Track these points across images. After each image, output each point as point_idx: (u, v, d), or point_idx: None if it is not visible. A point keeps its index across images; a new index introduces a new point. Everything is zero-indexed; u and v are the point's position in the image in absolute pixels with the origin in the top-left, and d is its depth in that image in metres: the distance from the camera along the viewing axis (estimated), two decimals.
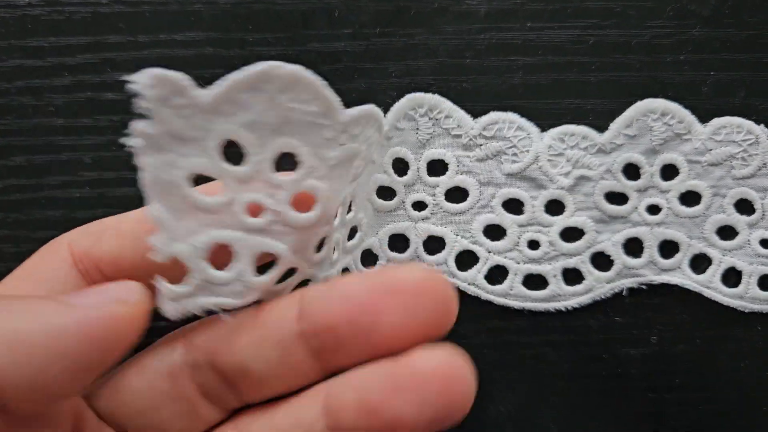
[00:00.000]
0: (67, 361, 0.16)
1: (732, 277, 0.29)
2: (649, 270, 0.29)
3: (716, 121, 0.29)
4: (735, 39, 0.29)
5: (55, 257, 0.20)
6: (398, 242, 0.29)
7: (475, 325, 0.30)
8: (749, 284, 0.29)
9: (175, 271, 0.19)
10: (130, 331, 0.17)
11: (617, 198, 0.29)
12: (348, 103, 0.29)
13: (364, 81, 0.29)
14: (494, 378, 0.29)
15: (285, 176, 0.19)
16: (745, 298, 0.29)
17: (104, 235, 0.21)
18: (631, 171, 0.29)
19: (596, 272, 0.29)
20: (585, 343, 0.29)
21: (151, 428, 0.21)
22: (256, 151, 0.18)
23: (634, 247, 0.29)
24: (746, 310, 0.29)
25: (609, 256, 0.29)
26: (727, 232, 0.29)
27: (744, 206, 0.29)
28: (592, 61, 0.29)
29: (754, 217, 0.29)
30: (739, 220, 0.29)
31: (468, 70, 0.29)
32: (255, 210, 0.19)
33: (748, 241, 0.29)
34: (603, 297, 0.29)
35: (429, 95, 0.28)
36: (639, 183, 0.29)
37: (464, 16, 0.29)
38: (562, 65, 0.29)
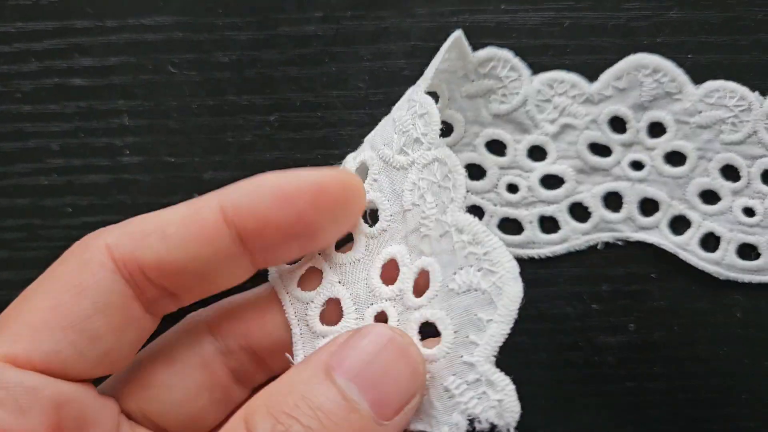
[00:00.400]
0: None
1: (710, 242, 0.28)
2: (627, 226, 0.28)
3: (709, 84, 0.28)
4: (713, 21, 0.29)
5: (95, 264, 0.19)
6: (613, 200, 0.29)
7: None
8: (727, 251, 0.28)
9: (223, 278, 0.20)
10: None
11: (601, 150, 0.29)
12: (318, 88, 0.29)
13: (335, 65, 0.29)
14: None
15: None
16: (721, 264, 0.28)
17: (150, 238, 0.19)
18: (618, 124, 0.28)
19: (573, 222, 0.28)
20: (561, 332, 0.29)
21: (189, 420, 0.21)
22: None
23: (613, 201, 0.29)
24: (721, 277, 0.28)
25: (587, 208, 0.29)
26: (709, 197, 0.29)
27: (729, 172, 0.28)
28: (568, 44, 0.29)
29: (738, 184, 0.28)
30: (723, 186, 0.28)
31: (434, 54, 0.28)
32: None
33: (731, 207, 0.28)
34: (577, 249, 0.28)
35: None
36: (624, 137, 0.28)
37: (433, 1, 0.28)
38: (536, 48, 0.29)
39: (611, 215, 0.28)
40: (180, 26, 0.29)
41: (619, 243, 0.29)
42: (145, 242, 0.19)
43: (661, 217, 0.28)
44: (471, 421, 0.18)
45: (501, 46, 0.28)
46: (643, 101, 0.28)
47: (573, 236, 0.28)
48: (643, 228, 0.28)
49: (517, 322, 0.28)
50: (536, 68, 0.28)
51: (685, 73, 0.28)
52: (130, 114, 0.29)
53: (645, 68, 0.28)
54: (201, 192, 0.21)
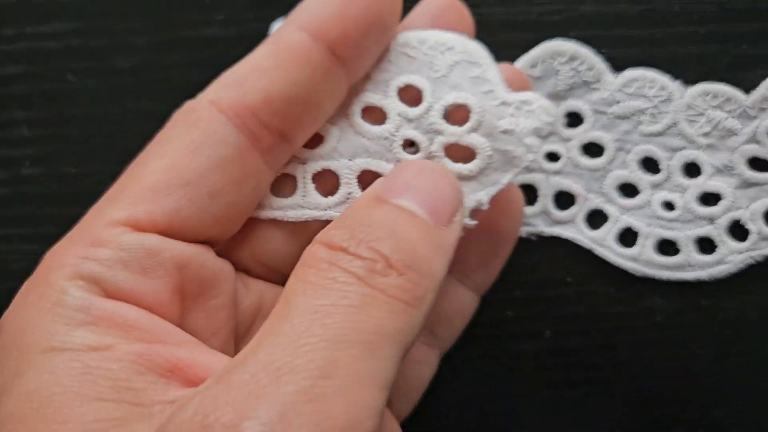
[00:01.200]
0: None
1: (628, 237, 0.27)
2: (542, 220, 0.27)
3: (628, 73, 0.27)
4: (628, 14, 0.28)
5: (204, 120, 0.19)
6: (527, 193, 0.28)
7: None
8: (645, 246, 0.27)
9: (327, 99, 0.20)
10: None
11: None
12: None
13: None
14: None
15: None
16: (638, 260, 0.27)
17: (249, 79, 0.19)
18: None
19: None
20: (474, 340, 0.28)
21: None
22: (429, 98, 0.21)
23: (527, 194, 0.27)
24: (638, 274, 0.27)
25: None
26: (627, 190, 0.27)
27: (649, 164, 0.27)
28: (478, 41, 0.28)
29: (658, 177, 0.27)
30: (641, 179, 0.27)
31: None
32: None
33: (650, 201, 0.27)
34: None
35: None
36: None
37: None
38: None
39: (526, 209, 0.27)
40: (78, 32, 0.28)
41: (533, 238, 0.28)
42: (247, 84, 0.19)
43: (577, 211, 0.27)
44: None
45: None
46: (559, 90, 0.27)
47: None
48: (558, 222, 0.28)
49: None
50: None
51: (603, 61, 0.27)
52: (30, 124, 0.28)
53: (561, 56, 0.27)
54: None
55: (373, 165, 0.22)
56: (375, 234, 0.17)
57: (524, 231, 0.27)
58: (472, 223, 0.21)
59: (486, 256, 0.24)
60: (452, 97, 0.21)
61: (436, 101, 0.21)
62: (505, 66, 0.23)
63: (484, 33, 0.27)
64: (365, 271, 0.16)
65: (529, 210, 0.27)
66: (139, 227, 0.18)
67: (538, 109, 0.20)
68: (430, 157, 0.21)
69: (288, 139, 0.20)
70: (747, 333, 0.28)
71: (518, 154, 0.21)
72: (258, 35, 0.27)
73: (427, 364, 0.25)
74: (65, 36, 0.28)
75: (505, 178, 0.21)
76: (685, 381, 0.28)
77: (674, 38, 0.28)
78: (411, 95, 0.22)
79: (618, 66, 0.27)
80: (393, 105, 0.21)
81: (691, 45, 0.28)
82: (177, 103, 0.28)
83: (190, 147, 0.18)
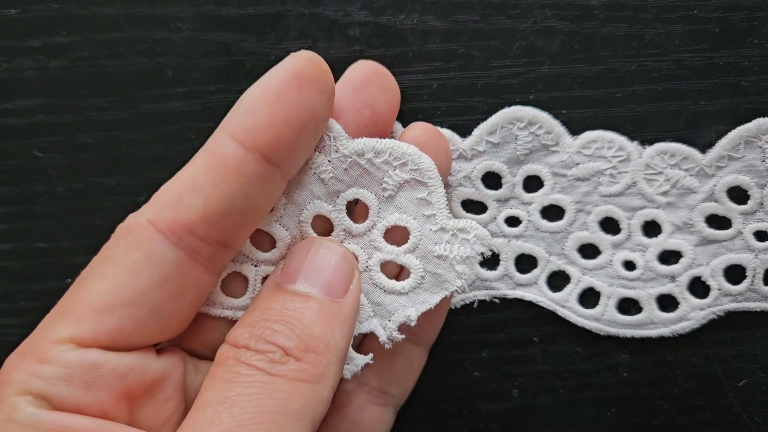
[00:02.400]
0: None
1: (590, 297, 0.28)
2: (504, 283, 0.28)
3: (587, 135, 0.27)
4: (586, 74, 0.28)
5: (144, 240, 0.19)
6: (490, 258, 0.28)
7: None
8: (607, 306, 0.27)
9: (263, 204, 0.21)
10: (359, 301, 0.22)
11: (476, 207, 0.28)
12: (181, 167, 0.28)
13: (201, 140, 0.28)
14: None
15: None
16: (601, 320, 0.27)
17: (185, 198, 0.20)
18: (493, 180, 0.28)
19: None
20: (442, 401, 0.28)
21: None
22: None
23: (490, 258, 0.28)
24: (602, 333, 0.27)
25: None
26: (589, 251, 0.28)
27: (609, 225, 0.28)
28: (437, 107, 0.28)
29: (618, 237, 0.28)
30: (602, 239, 0.28)
31: None
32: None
33: (611, 261, 0.28)
34: (454, 307, 0.28)
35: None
36: (499, 193, 0.28)
37: None
38: (405, 112, 0.28)
39: (487, 273, 0.28)
40: (43, 108, 0.28)
41: (496, 301, 0.28)
42: (183, 203, 0.20)
43: (539, 273, 0.28)
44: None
45: None
46: (518, 155, 0.27)
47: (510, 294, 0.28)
48: (520, 285, 0.28)
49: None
50: None
51: (561, 125, 0.27)
52: None
53: (519, 121, 0.27)
54: (73, 277, 0.21)
55: None
56: (272, 327, 0.19)
57: (487, 295, 0.28)
58: (400, 337, 0.23)
59: (432, 315, 0.24)
60: (394, 219, 0.22)
61: (379, 220, 0.22)
62: (422, 127, 0.24)
63: (443, 99, 0.28)
64: (265, 362, 0.18)
65: (491, 274, 0.28)
66: (82, 344, 0.19)
67: (473, 238, 0.21)
68: (367, 270, 0.23)
69: (229, 245, 0.21)
70: (711, 386, 0.28)
71: (449, 278, 0.22)
72: (218, 107, 0.28)
73: (381, 422, 0.26)
74: (31, 112, 0.28)
75: (434, 298, 0.22)
76: None
77: (632, 97, 0.28)
78: (359, 208, 0.23)
79: (578, 126, 0.28)
80: (340, 219, 0.23)
81: (649, 103, 0.28)
82: (142, 178, 0.28)
83: (132, 268, 0.19)
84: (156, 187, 0.28)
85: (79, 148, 0.28)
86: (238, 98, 0.28)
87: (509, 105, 0.28)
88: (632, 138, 0.28)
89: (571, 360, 0.28)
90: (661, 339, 0.28)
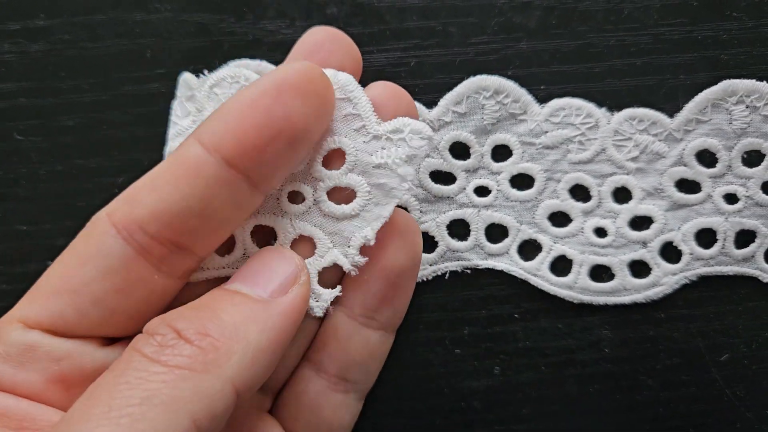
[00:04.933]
0: (280, 351, 0.19)
1: (562, 265, 0.28)
2: (475, 254, 0.28)
3: (554, 102, 0.27)
4: (564, 50, 0.28)
5: (97, 233, 0.20)
6: (459, 228, 0.28)
7: None
8: (579, 274, 0.27)
9: (228, 212, 0.20)
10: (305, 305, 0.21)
11: (444, 177, 0.28)
12: (161, 148, 0.28)
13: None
14: None
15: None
16: (574, 288, 0.27)
17: (140, 194, 0.20)
18: (461, 150, 0.28)
19: (428, 256, 0.28)
20: (425, 379, 0.28)
21: None
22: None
23: (460, 229, 0.28)
24: (575, 301, 0.27)
25: (433, 238, 0.28)
26: (559, 219, 0.28)
27: (579, 192, 0.28)
28: (415, 84, 0.28)
29: (589, 204, 0.27)
30: (573, 207, 0.27)
31: None
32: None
33: (582, 228, 0.27)
34: (425, 279, 0.28)
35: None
36: (468, 163, 0.27)
37: (279, 47, 0.28)
38: None
39: (458, 243, 0.28)
40: (24, 92, 0.28)
41: (468, 271, 0.28)
42: (137, 199, 0.20)
43: (511, 243, 0.28)
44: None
45: None
46: (485, 124, 0.27)
47: (420, 268, 0.27)
48: (491, 255, 0.28)
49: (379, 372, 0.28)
50: None
51: (528, 93, 0.27)
52: None
53: (486, 90, 0.27)
54: (54, 259, 0.21)
55: (263, 220, 0.23)
56: (181, 313, 0.19)
57: (458, 266, 0.28)
58: (362, 260, 0.22)
59: (386, 294, 0.24)
60: (328, 144, 0.22)
61: (316, 153, 0.22)
62: (383, 85, 0.23)
63: (422, 76, 0.28)
64: (151, 347, 0.18)
65: (462, 244, 0.28)
66: (28, 325, 0.20)
67: (408, 135, 0.21)
68: (316, 203, 0.22)
69: (186, 249, 0.21)
70: (694, 361, 0.28)
71: (394, 185, 0.21)
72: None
73: (343, 408, 0.25)
74: (11, 95, 0.28)
75: (386, 211, 0.22)
76: (634, 412, 0.28)
77: (611, 72, 0.28)
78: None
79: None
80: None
81: (627, 77, 0.28)
82: (123, 160, 0.28)
83: (82, 258, 0.20)
84: (137, 169, 0.28)
85: (60, 131, 0.28)
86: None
87: None
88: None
89: (552, 336, 0.28)
90: (643, 314, 0.28)
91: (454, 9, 0.28)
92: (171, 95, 0.28)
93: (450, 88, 0.28)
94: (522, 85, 0.28)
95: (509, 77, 0.28)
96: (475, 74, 0.28)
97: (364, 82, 0.27)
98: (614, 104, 0.28)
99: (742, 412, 0.28)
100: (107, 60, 0.28)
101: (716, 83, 0.27)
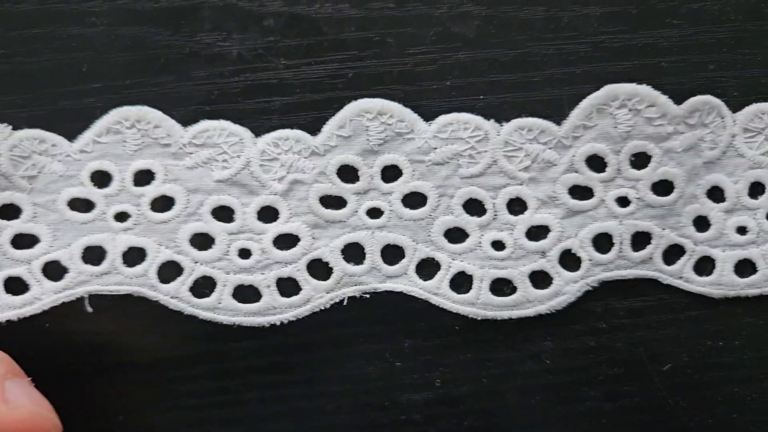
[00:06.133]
0: None
1: (462, 282, 0.28)
2: (373, 277, 0.27)
3: (441, 119, 0.27)
4: (503, 59, 0.28)
5: None
6: (93, 254, 0.27)
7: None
8: (481, 289, 0.27)
9: None
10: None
11: (335, 202, 0.27)
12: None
13: None
14: None
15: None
16: (476, 304, 0.27)
17: None
18: (349, 173, 0.27)
19: (314, 281, 0.27)
20: (365, 392, 0.28)
21: None
22: None
23: (355, 253, 0.28)
24: (478, 317, 0.27)
25: (328, 264, 0.27)
26: (456, 235, 0.28)
27: (474, 207, 0.27)
28: (353, 95, 0.28)
29: (485, 218, 0.27)
30: (468, 222, 0.27)
31: (223, 116, 0.28)
32: None
33: (480, 243, 0.27)
34: (323, 308, 0.28)
35: (135, 108, 0.27)
36: (357, 185, 0.27)
37: (216, 60, 0.28)
38: (321, 102, 0.28)
39: (354, 268, 0.27)
40: None
41: (366, 296, 0.28)
42: None
43: (408, 263, 0.27)
44: None
45: (284, 104, 0.28)
46: (372, 146, 0.27)
47: (316, 295, 0.27)
48: (389, 277, 0.27)
49: (316, 383, 0.27)
50: (320, 123, 0.28)
51: (413, 112, 0.27)
52: None
53: (368, 112, 0.27)
54: None
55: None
56: None
57: (356, 291, 0.27)
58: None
59: None
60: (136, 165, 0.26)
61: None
62: None
63: (359, 87, 0.27)
64: None
65: (358, 268, 0.27)
66: None
67: None
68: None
69: None
70: (636, 371, 0.28)
71: None
72: (135, 101, 0.28)
73: None
74: None
75: None
76: (577, 423, 0.28)
77: (550, 81, 0.28)
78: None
79: (496, 112, 0.28)
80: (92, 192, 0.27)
81: (566, 86, 0.28)
82: None
83: None
84: None
85: None
86: (153, 93, 0.28)
87: (424, 92, 0.28)
88: (554, 123, 0.27)
89: (493, 348, 0.28)
90: (585, 324, 0.28)
91: (391, 20, 0.28)
92: (107, 110, 0.28)
93: (391, 99, 0.28)
94: (460, 95, 0.27)
95: (447, 87, 0.28)
96: (412, 85, 0.28)
97: (302, 95, 0.27)
98: (555, 113, 0.28)
99: (685, 421, 0.28)
100: (43, 74, 0.28)
101: (656, 90, 0.27)
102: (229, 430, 0.28)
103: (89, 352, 0.28)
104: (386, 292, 0.28)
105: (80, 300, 0.28)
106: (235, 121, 0.27)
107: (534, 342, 0.28)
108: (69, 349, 0.28)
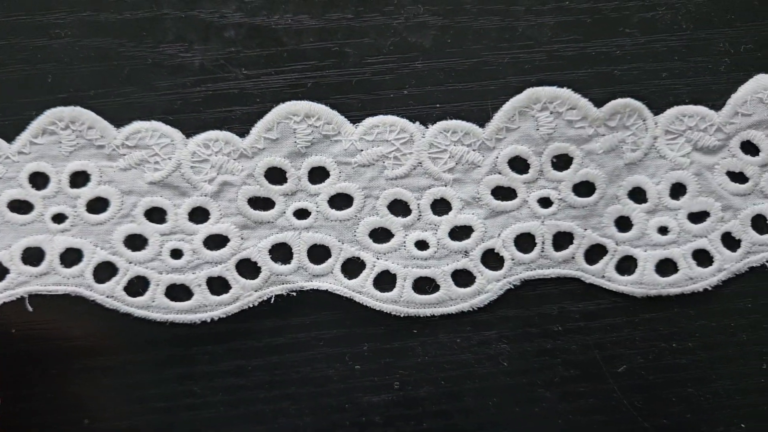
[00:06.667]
0: None
1: (386, 280, 0.28)
2: (299, 276, 0.28)
3: (368, 121, 0.28)
4: (460, 68, 0.28)
5: None
6: (32, 255, 0.28)
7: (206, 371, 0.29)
8: (404, 287, 0.28)
9: None
10: None
11: (263, 203, 0.28)
12: None
13: None
14: None
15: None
16: (399, 302, 0.28)
17: None
18: (277, 175, 0.28)
19: (243, 280, 0.28)
20: (325, 394, 0.29)
21: None
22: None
23: (282, 252, 0.28)
24: (401, 315, 0.28)
25: (256, 263, 0.28)
26: (381, 235, 0.28)
27: (399, 207, 0.28)
28: None
29: (409, 218, 0.28)
30: (393, 222, 0.28)
31: (185, 125, 0.28)
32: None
33: (404, 243, 0.28)
34: (251, 305, 0.28)
35: (68, 108, 0.28)
36: (285, 187, 0.28)
37: (179, 70, 0.28)
38: None
39: (281, 267, 0.28)
40: None
41: (293, 294, 0.28)
42: None
43: (334, 262, 0.28)
44: None
45: (245, 113, 0.28)
46: (299, 148, 0.28)
47: (245, 294, 0.28)
48: (315, 275, 0.28)
49: (277, 387, 0.28)
50: None
51: (340, 114, 0.28)
52: None
53: (296, 115, 0.27)
54: None
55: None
56: None
57: (283, 289, 0.28)
58: None
59: None
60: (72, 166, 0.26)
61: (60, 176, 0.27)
62: None
63: (319, 95, 0.28)
64: None
65: (285, 268, 0.28)
66: None
67: None
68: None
69: None
70: (591, 373, 0.29)
71: None
72: (99, 111, 0.28)
73: None
74: None
75: None
76: (533, 424, 0.29)
77: (506, 89, 0.28)
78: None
79: (452, 119, 0.28)
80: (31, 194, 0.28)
81: None
82: None
83: None
84: None
85: None
86: (118, 102, 0.29)
87: (382, 101, 0.28)
88: (481, 125, 0.28)
89: (450, 351, 0.28)
90: (541, 327, 0.28)
91: (349, 30, 0.28)
92: None
93: (347, 108, 0.28)
94: (417, 104, 0.28)
95: (405, 96, 0.28)
96: (370, 94, 0.28)
97: (263, 104, 0.28)
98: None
99: (640, 422, 0.29)
100: (9, 85, 0.28)
101: (610, 98, 0.28)
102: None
103: (57, 355, 0.28)
104: (347, 298, 0.28)
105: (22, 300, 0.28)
106: (199, 130, 0.28)
107: (491, 345, 0.28)
108: (22, 351, 0.28)
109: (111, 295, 0.28)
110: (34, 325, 0.28)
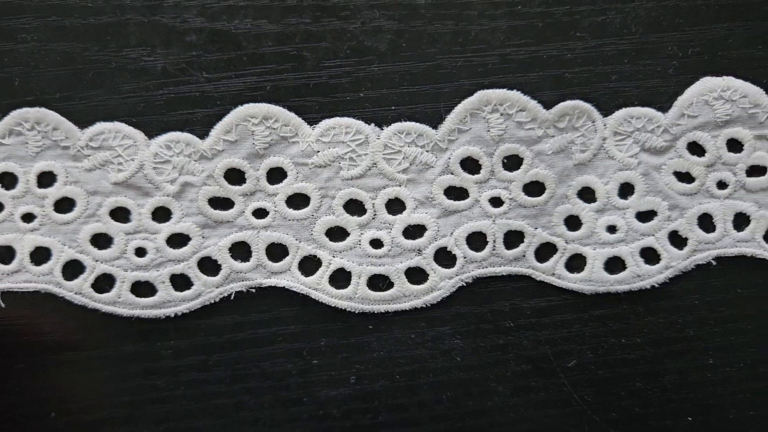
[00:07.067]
0: None
1: (342, 278, 0.29)
2: (258, 273, 0.29)
3: (324, 123, 0.28)
4: (414, 71, 0.29)
5: None
6: (3, 254, 0.29)
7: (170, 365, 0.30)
8: (359, 285, 0.29)
9: None
10: None
11: (223, 203, 0.29)
12: None
13: None
14: (193, 428, 0.30)
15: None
16: (354, 299, 0.29)
17: None
18: (236, 176, 0.29)
19: (204, 277, 0.29)
20: (284, 388, 0.29)
21: None
22: None
23: (242, 251, 0.29)
24: (356, 311, 0.29)
25: (216, 261, 0.29)
26: (337, 234, 0.29)
27: (354, 207, 0.29)
28: None
29: (364, 217, 0.29)
30: (348, 221, 0.29)
31: (148, 127, 0.29)
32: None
33: (359, 241, 0.29)
34: (213, 301, 0.29)
35: (34, 109, 0.28)
36: (244, 187, 0.29)
37: (142, 74, 0.29)
38: None
39: (241, 265, 0.29)
40: None
41: (252, 291, 0.29)
42: None
43: (291, 260, 0.29)
44: None
45: (207, 115, 0.29)
46: (257, 150, 0.28)
47: (206, 290, 0.29)
48: (274, 273, 0.29)
49: (238, 381, 0.29)
50: None
51: (298, 116, 0.28)
52: None
53: (254, 117, 0.28)
54: None
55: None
56: None
57: (242, 286, 0.29)
58: None
59: None
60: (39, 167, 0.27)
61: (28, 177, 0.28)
62: None
63: (278, 98, 0.29)
64: None
65: (244, 265, 0.29)
66: None
67: None
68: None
69: None
70: (542, 367, 0.29)
71: None
72: (65, 114, 0.29)
73: None
74: None
75: None
76: (486, 417, 0.29)
77: (459, 91, 0.29)
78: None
79: (407, 122, 0.29)
80: (1, 194, 0.28)
81: None
82: None
83: None
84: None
85: None
86: (83, 105, 0.29)
87: (340, 103, 0.29)
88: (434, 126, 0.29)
89: (405, 346, 0.29)
90: (493, 324, 0.29)
91: (308, 34, 0.29)
92: None
93: (305, 111, 0.29)
94: (373, 106, 0.29)
95: (361, 99, 0.29)
96: (327, 97, 0.29)
97: (223, 107, 0.29)
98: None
99: (590, 415, 0.29)
100: None
101: (561, 101, 0.29)
102: (158, 425, 0.30)
103: (26, 349, 0.29)
104: (304, 295, 0.29)
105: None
106: (161, 132, 0.29)
107: (444, 340, 0.29)
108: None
109: (79, 291, 0.29)
110: (5, 321, 0.29)
